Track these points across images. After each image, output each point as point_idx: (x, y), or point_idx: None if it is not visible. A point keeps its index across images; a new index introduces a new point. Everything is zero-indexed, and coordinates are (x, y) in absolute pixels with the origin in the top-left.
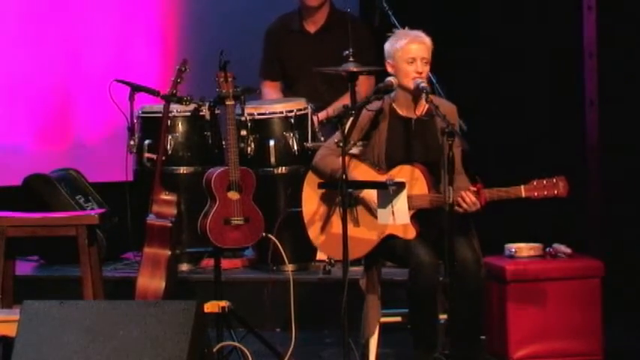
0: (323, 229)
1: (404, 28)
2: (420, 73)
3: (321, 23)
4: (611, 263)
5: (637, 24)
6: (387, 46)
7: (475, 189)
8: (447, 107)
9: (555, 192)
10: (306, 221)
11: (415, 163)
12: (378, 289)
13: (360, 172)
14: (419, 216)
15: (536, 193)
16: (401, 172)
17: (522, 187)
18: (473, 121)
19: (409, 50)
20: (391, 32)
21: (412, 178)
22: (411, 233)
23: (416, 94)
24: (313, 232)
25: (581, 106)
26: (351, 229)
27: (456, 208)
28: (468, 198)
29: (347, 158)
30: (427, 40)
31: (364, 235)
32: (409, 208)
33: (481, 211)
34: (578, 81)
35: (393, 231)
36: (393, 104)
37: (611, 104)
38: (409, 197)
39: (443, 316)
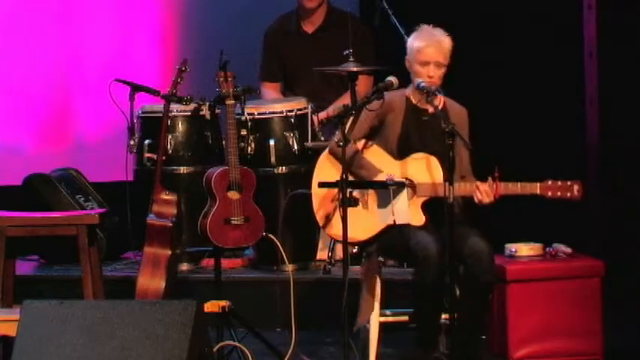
0: (328, 207)
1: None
2: (431, 77)
3: (318, 23)
4: (611, 263)
5: (637, 24)
6: (409, 42)
7: (492, 179)
8: (457, 109)
9: (569, 195)
10: (313, 195)
11: (430, 153)
12: (376, 277)
13: (376, 156)
14: (428, 206)
15: (550, 193)
16: (418, 160)
17: (538, 184)
18: (473, 121)
19: (424, 53)
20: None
21: (429, 166)
22: (419, 220)
23: (419, 93)
24: (318, 209)
25: (581, 106)
26: (360, 211)
27: (474, 192)
28: (482, 186)
29: (362, 143)
30: (445, 42)
31: (372, 217)
32: (428, 196)
33: (494, 204)
34: (578, 81)
35: None
36: (410, 97)
37: (611, 104)
38: (427, 185)
39: (444, 316)
